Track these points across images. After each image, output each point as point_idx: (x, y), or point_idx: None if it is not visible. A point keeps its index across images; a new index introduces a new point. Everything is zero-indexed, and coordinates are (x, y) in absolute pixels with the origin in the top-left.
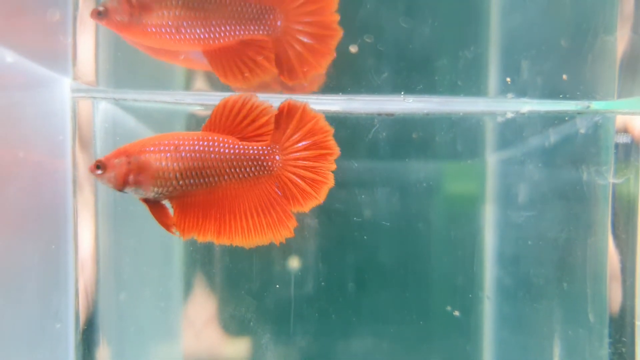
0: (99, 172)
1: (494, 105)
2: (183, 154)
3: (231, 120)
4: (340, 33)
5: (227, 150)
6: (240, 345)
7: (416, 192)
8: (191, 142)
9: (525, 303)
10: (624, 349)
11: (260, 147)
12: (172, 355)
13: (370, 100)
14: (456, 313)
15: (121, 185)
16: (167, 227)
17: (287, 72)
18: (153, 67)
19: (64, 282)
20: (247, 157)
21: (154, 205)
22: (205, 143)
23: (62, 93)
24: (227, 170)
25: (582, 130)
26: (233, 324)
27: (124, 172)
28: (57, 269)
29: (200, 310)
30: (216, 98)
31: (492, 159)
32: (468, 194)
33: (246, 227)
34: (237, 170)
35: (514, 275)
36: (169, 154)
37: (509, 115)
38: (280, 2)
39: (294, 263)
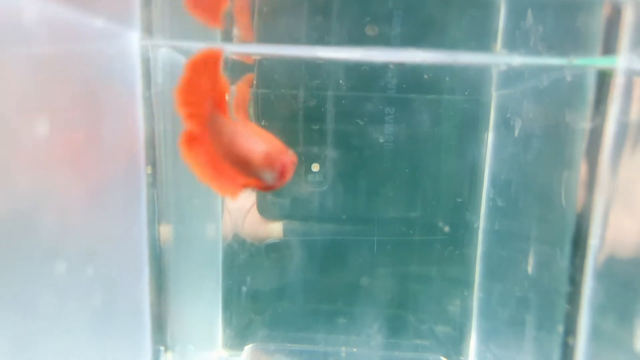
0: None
1: (491, 59)
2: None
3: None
4: None
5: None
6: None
7: (424, 123)
8: None
9: (512, 222)
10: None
11: None
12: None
13: (384, 52)
14: (446, 229)
15: None
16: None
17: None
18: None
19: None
20: None
21: None
22: None
23: (131, 43)
24: None
25: (569, 78)
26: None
27: None
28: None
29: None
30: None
31: (496, 95)
32: (472, 125)
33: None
34: None
35: (505, 197)
36: None
37: (502, 67)
38: None
39: (316, 168)
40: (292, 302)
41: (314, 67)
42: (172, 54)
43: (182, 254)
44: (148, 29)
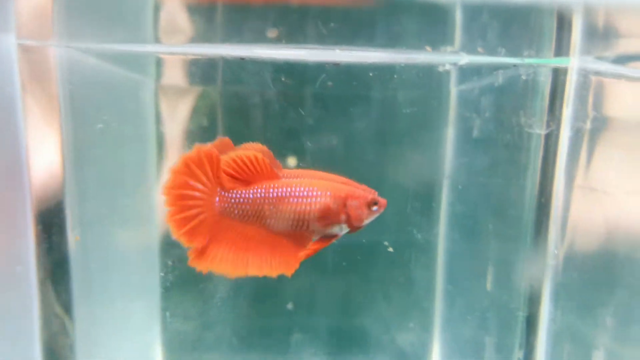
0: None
1: (434, 58)
2: None
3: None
4: None
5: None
6: None
7: (377, 122)
8: None
9: (470, 230)
10: (533, 282)
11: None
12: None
13: (316, 50)
14: (390, 249)
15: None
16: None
17: None
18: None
19: None
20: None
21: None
22: None
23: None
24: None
25: (524, 77)
26: None
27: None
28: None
29: None
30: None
31: (455, 91)
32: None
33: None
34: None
35: (464, 202)
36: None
37: (447, 67)
38: None
39: None
40: (243, 317)
41: (251, 65)
42: (78, 56)
43: (96, 268)
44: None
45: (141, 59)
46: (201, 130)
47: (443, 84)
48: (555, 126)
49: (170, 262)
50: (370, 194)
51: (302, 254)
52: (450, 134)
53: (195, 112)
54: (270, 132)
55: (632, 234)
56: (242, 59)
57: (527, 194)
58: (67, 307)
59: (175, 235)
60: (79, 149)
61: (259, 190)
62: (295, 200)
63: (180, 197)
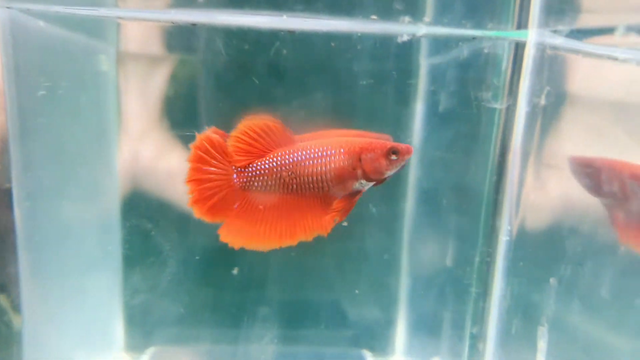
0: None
1: (392, 28)
2: None
3: None
4: None
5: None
6: None
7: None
8: None
9: (433, 206)
10: (488, 259)
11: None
12: None
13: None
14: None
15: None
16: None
17: None
18: None
19: None
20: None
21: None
22: None
23: None
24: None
25: (486, 50)
26: None
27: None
28: None
29: None
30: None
31: (425, 64)
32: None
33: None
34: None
35: (429, 178)
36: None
37: (405, 37)
38: None
39: None
40: (206, 297)
41: (212, 32)
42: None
43: (49, 243)
44: None
45: (99, 24)
46: (162, 98)
47: (413, 57)
48: (512, 101)
49: (132, 238)
50: (389, 143)
51: (335, 215)
52: (419, 107)
53: (155, 79)
54: (226, 102)
55: (579, 208)
56: (194, 25)
57: (486, 169)
58: (13, 282)
59: (196, 214)
60: (25, 118)
61: (274, 159)
62: (311, 162)
63: (198, 182)
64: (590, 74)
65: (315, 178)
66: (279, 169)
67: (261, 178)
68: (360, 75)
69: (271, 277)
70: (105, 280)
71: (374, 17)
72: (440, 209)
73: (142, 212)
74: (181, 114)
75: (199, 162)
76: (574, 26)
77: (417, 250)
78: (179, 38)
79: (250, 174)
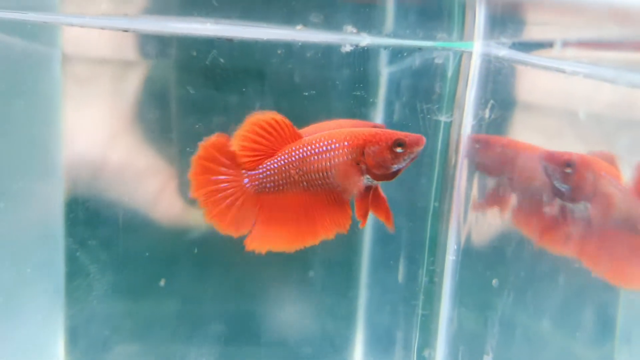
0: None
1: (335, 38)
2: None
3: None
4: None
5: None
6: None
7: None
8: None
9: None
10: (436, 279)
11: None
12: None
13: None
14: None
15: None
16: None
17: None
18: None
19: None
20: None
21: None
22: None
23: None
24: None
25: (437, 61)
26: None
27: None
28: None
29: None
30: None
31: (385, 72)
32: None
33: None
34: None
35: (385, 190)
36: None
37: (348, 48)
38: None
39: None
40: (152, 312)
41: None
42: None
43: None
44: None
45: (44, 29)
46: (109, 102)
47: (372, 66)
48: (459, 113)
49: (77, 249)
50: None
51: (362, 222)
52: (378, 117)
53: (101, 83)
54: (164, 110)
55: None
56: (126, 31)
57: (432, 184)
58: None
59: (221, 230)
60: None
61: (282, 157)
62: (315, 157)
63: (209, 193)
64: (534, 85)
65: (321, 174)
66: (287, 167)
67: (272, 178)
68: (309, 84)
69: (223, 290)
70: (45, 295)
71: (299, 27)
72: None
73: (89, 222)
74: (126, 120)
75: (206, 172)
76: (517, 39)
77: (373, 265)
78: (120, 43)
79: (262, 176)
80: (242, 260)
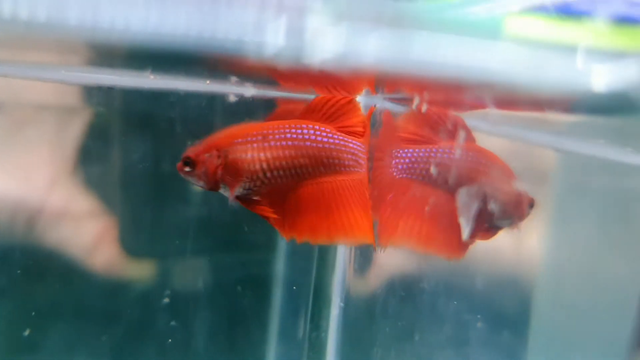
0: (188, 169)
1: (217, 88)
2: (272, 143)
3: (326, 116)
4: None
5: (325, 140)
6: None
7: None
8: (282, 130)
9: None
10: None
11: (359, 143)
12: None
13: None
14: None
15: (213, 182)
16: (271, 221)
17: None
18: None
19: None
20: (348, 149)
21: (250, 202)
22: (300, 131)
23: None
24: (324, 161)
25: None
26: None
27: (214, 168)
28: None
29: None
30: None
31: None
32: None
33: (346, 221)
34: (335, 162)
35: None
36: (255, 144)
37: (232, 98)
38: None
39: None
40: None
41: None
42: None
43: None
44: None
45: None
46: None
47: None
48: None
49: None
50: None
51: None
52: None
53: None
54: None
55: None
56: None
57: None
58: None
59: None
60: None
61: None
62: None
63: None
64: None
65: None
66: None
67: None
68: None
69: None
70: None
71: (208, 81)
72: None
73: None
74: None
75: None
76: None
77: (284, 313)
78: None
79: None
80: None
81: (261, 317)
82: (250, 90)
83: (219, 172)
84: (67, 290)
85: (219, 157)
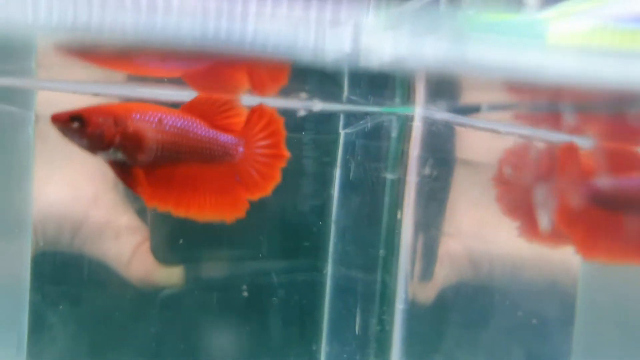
0: (76, 125)
1: (291, 104)
2: (167, 128)
3: (209, 112)
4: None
5: (203, 133)
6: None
7: None
8: (174, 118)
9: (346, 273)
10: (388, 327)
11: (230, 137)
12: None
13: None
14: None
15: (105, 146)
16: (136, 191)
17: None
18: None
19: None
20: (218, 142)
21: (122, 169)
22: (187, 122)
23: None
24: (200, 150)
25: (386, 124)
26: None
27: (111, 134)
28: None
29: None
30: None
31: (342, 133)
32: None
33: (203, 203)
34: (208, 152)
35: (342, 244)
36: (154, 125)
37: (302, 112)
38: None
39: None
40: None
41: None
42: None
43: None
44: None
45: (20, 93)
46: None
47: (333, 128)
48: (403, 172)
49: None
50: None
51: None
52: (337, 175)
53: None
54: None
55: (472, 280)
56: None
57: (382, 238)
58: None
59: None
60: None
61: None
62: None
63: None
64: (470, 143)
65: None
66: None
67: None
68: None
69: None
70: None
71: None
72: (350, 276)
73: (56, 277)
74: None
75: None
76: (452, 104)
77: (334, 316)
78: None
79: None
80: (208, 318)
81: (312, 320)
82: (317, 105)
83: (117, 139)
84: (107, 298)
85: (116, 125)
